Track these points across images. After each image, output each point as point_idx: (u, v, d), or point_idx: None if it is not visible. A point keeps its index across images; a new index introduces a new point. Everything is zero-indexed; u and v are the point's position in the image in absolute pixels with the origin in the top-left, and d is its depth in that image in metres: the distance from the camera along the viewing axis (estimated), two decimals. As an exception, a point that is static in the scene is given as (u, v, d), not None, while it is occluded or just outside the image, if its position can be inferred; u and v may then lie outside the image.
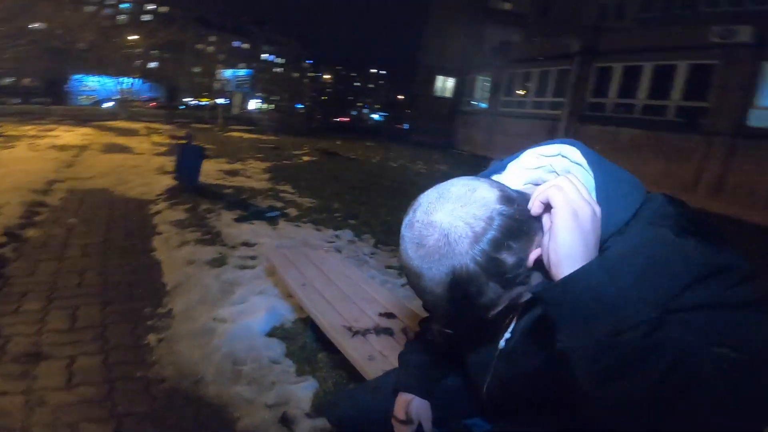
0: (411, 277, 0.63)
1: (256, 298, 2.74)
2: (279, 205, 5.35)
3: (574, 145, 0.71)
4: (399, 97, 29.32)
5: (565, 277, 0.55)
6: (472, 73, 19.02)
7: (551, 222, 0.57)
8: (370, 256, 3.91)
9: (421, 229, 0.60)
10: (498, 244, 0.58)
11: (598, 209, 0.58)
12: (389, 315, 2.05)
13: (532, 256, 0.61)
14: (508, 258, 0.59)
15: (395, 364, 1.44)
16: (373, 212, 5.46)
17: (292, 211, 5.11)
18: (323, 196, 6.14)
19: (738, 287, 0.55)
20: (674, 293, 0.56)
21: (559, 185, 0.57)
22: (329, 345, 2.00)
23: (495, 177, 0.75)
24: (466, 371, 0.95)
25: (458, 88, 19.94)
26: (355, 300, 2.19)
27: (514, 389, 0.83)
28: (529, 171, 0.74)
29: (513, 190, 0.62)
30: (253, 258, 3.47)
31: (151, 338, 2.38)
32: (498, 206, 0.58)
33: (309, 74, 27.03)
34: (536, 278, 0.64)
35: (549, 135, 13.12)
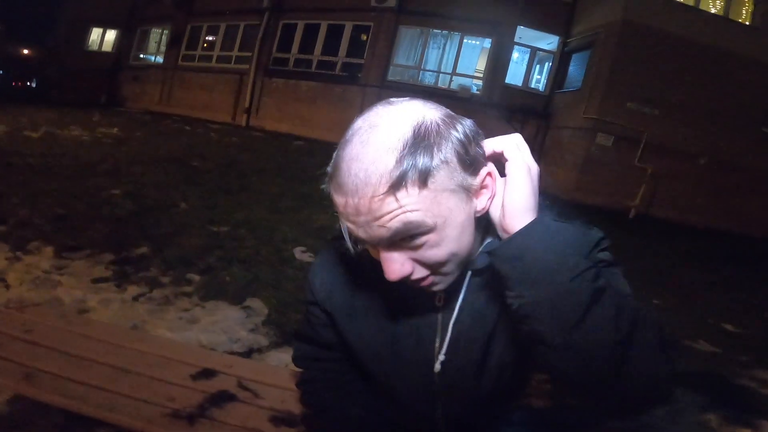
0: (354, 170, 0.55)
1: None
2: None
3: None
4: (24, 51, 22.66)
5: (524, 228, 0.56)
6: (144, 25, 17.19)
7: (507, 174, 0.59)
8: (60, 273, 2.62)
9: (382, 121, 0.56)
10: (469, 138, 0.58)
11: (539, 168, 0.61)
12: (207, 373, 1.47)
13: (484, 170, 0.60)
14: (473, 151, 0.58)
15: None
16: (29, 204, 3.79)
17: None
18: None
19: (607, 251, 0.66)
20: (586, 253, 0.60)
21: (516, 141, 0.59)
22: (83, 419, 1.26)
23: None
24: (398, 400, 0.85)
25: (123, 42, 17.63)
26: (138, 369, 1.42)
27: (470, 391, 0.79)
28: None
29: None
30: None
31: None
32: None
33: None
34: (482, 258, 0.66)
35: (237, 88, 13.54)
